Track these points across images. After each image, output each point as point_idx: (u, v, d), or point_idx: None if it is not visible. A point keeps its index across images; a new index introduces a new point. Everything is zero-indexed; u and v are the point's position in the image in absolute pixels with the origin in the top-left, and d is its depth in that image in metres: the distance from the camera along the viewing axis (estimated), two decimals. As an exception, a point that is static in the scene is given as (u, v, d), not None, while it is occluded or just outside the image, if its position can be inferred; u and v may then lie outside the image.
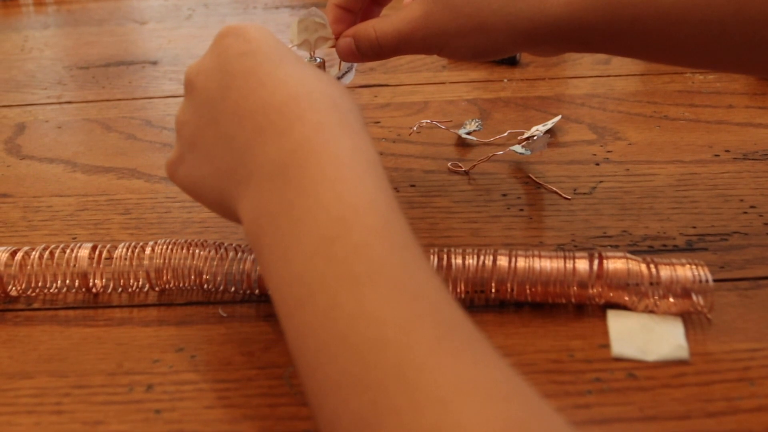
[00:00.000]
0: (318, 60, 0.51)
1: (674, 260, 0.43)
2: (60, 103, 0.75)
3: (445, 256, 0.44)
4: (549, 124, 0.61)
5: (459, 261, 0.44)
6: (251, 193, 0.36)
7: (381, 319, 0.29)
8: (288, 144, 0.35)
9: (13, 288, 0.48)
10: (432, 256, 0.44)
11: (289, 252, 0.33)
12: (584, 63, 0.74)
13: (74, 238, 0.54)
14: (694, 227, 0.50)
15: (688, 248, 0.49)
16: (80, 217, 0.56)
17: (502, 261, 0.44)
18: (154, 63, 0.82)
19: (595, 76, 0.71)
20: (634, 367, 0.40)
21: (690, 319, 0.43)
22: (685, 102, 0.67)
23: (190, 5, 1.00)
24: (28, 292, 0.48)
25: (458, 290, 0.44)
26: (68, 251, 0.47)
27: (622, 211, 0.52)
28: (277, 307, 0.34)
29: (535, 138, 0.56)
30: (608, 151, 0.59)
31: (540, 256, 0.44)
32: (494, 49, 0.47)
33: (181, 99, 0.67)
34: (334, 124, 0.36)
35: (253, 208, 0.36)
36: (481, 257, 0.44)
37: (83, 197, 0.58)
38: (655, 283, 0.42)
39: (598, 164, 0.58)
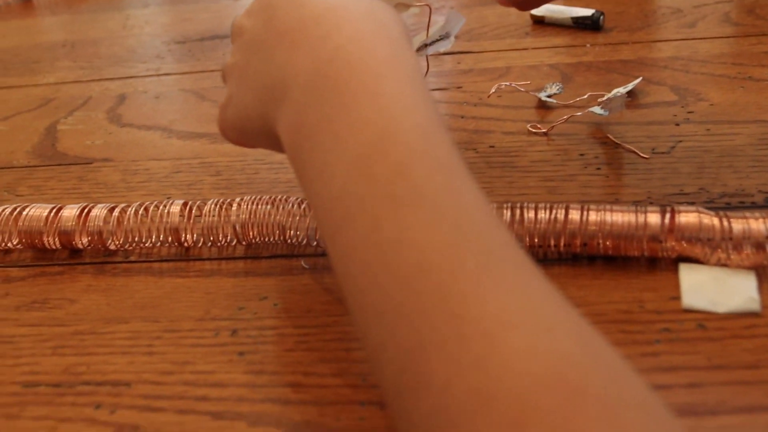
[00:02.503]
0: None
1: (747, 214, 0.43)
2: (158, 75, 0.79)
3: (518, 211, 0.45)
4: (629, 86, 0.61)
5: (531, 215, 0.45)
6: (288, 109, 0.36)
7: (423, 245, 0.28)
8: (323, 53, 0.35)
9: (112, 242, 0.51)
10: (505, 211, 0.46)
11: (327, 170, 0.32)
12: (669, 27, 0.73)
13: (168, 198, 0.57)
14: (774, 184, 0.50)
15: (766, 205, 0.48)
16: (174, 179, 0.59)
17: (574, 215, 0.45)
18: (246, 36, 0.86)
19: (680, 40, 0.70)
20: (704, 319, 0.41)
21: (764, 273, 0.43)
22: (772, 63, 0.66)
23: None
24: (126, 246, 0.51)
25: (531, 244, 0.45)
26: (161, 207, 0.51)
27: (700, 170, 0.52)
28: (320, 228, 0.33)
29: (611, 97, 0.57)
30: (689, 112, 0.59)
31: (612, 210, 0.44)
32: None
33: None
34: (372, 33, 0.35)
35: (290, 124, 0.36)
36: (554, 211, 0.45)
37: (178, 161, 0.62)
38: (727, 236, 0.43)
39: (678, 124, 0.57)
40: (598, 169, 0.54)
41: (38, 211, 0.52)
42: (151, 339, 0.44)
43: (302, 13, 0.37)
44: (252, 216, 0.49)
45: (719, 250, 0.43)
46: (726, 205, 0.49)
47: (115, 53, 0.86)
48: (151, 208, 0.51)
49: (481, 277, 0.27)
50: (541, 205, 0.46)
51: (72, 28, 0.96)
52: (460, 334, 0.26)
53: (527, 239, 0.45)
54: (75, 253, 0.52)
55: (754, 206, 0.48)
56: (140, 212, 0.51)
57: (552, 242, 0.45)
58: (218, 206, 0.50)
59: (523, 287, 0.28)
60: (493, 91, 0.64)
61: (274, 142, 0.39)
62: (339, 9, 0.36)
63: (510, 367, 0.25)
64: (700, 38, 0.70)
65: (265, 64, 0.38)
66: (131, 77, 0.79)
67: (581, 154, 0.55)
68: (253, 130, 0.41)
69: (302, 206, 0.48)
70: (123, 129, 0.68)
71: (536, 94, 0.63)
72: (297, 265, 0.48)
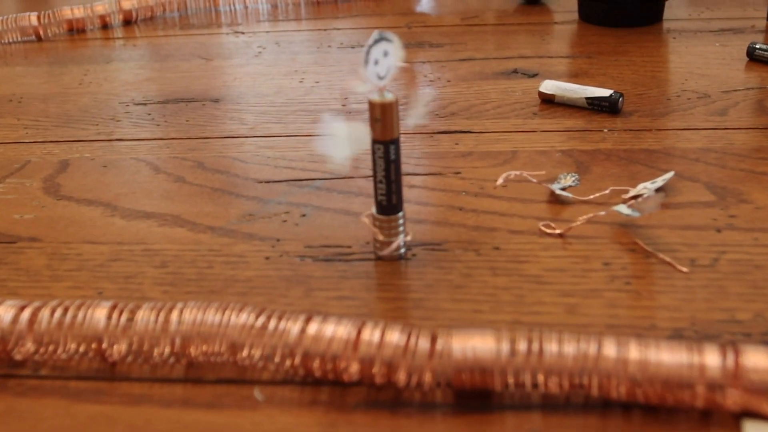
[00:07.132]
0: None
1: (834, 360, 0.33)
2: (110, 140, 0.69)
3: (536, 341, 0.35)
4: (659, 182, 0.52)
5: (554, 347, 0.35)
6: None
7: None
8: None
9: (18, 351, 0.40)
10: (520, 342, 0.35)
11: None
12: (697, 113, 0.65)
13: (100, 293, 0.46)
14: None
15: None
16: (110, 269, 0.49)
17: (609, 350, 0.35)
18: (216, 101, 0.76)
19: (710, 129, 0.62)
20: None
21: None
22: (818, 161, 0.57)
23: (261, 42, 0.94)
24: (36, 357, 0.41)
25: (551, 384, 0.35)
26: (84, 309, 0.40)
27: (753, 290, 0.42)
28: None
29: (644, 196, 0.47)
30: (731, 216, 0.49)
31: (657, 347, 0.34)
32: None
33: (239, 139, 0.61)
34: None
35: None
36: (582, 344, 0.35)
37: (117, 245, 0.51)
38: (809, 389, 0.33)
39: (719, 231, 0.48)
40: (627, 283, 0.44)
41: (-70, 305, 0.41)
42: (47, 494, 0.33)
43: None
44: (196, 327, 0.39)
45: (797, 406, 0.33)
46: (792, 339, 0.39)
47: (66, 112, 0.76)
48: (71, 308, 0.40)
49: None
50: (566, 335, 0.36)
51: (23, 81, 0.86)
52: None
53: (547, 378, 0.35)
54: (-27, 360, 0.41)
55: (827, 342, 0.38)
56: (57, 313, 0.40)
57: (578, 383, 0.35)
58: (155, 312, 0.39)
59: None
60: (500, 182, 0.54)
61: None
62: None
63: None
64: (734, 128, 0.61)
65: None
66: (79, 141, 0.69)
67: (605, 264, 0.46)
68: None
69: (260, 318, 0.38)
70: (59, 202, 0.58)
71: (548, 185, 0.53)
72: (249, 395, 0.38)
